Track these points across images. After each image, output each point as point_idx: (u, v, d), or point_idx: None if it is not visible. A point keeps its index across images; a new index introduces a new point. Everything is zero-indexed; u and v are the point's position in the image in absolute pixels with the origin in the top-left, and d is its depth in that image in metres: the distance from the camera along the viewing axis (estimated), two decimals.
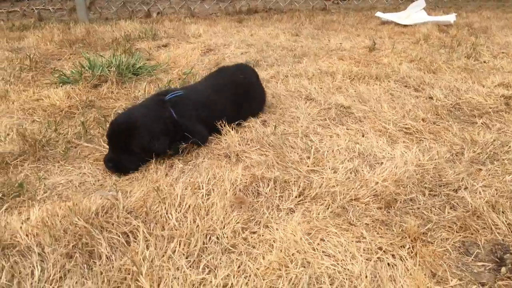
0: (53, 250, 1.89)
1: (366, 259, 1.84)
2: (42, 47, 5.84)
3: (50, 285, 1.73)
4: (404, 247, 1.92)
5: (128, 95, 3.83)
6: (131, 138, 2.49)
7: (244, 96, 3.10)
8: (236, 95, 3.04)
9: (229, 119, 2.96)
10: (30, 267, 1.82)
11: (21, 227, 2.03)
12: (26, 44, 6.11)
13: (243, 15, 8.66)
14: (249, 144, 2.82)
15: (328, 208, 2.17)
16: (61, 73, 4.31)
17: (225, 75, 3.22)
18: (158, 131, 2.55)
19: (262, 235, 2.00)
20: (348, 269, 1.79)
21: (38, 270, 1.80)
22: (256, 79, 3.34)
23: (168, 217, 2.11)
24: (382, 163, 2.56)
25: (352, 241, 1.94)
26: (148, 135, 2.50)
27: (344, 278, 1.74)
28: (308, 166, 2.53)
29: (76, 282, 1.74)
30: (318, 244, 1.93)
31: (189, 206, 2.18)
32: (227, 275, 1.78)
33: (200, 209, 2.16)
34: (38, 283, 1.75)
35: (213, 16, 8.62)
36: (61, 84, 4.14)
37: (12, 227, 2.04)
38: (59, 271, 1.80)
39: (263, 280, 1.75)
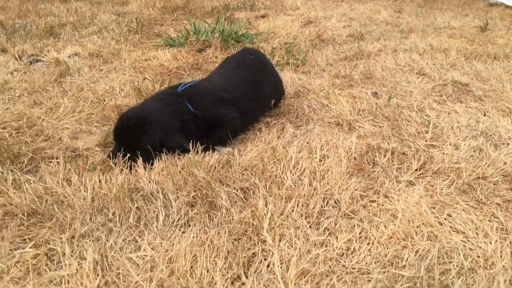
0: (176, 197, 1.93)
1: (501, 239, 1.71)
2: (145, 12, 6.02)
3: (176, 229, 1.77)
4: None
5: None
6: (141, 134, 2.21)
7: (260, 75, 2.76)
8: (251, 74, 2.72)
9: (250, 100, 2.61)
10: (154, 211, 1.87)
11: (144, 173, 2.09)
12: (129, 9, 6.33)
13: None
14: (361, 114, 2.72)
15: (452, 184, 2.05)
16: (168, 36, 4.41)
17: (234, 60, 2.89)
18: (173, 127, 2.27)
19: (382, 205, 1.92)
20: (480, 247, 1.67)
21: (162, 214, 1.85)
22: (266, 60, 3.02)
23: (284, 177, 2.08)
24: (508, 144, 2.37)
25: (484, 219, 1.81)
26: (162, 132, 2.23)
27: (477, 256, 1.63)
28: (426, 141, 2.40)
29: (199, 230, 1.76)
30: (445, 219, 1.82)
31: (304, 169, 2.15)
32: (349, 239, 1.73)
33: (316, 173, 2.12)
34: (163, 226, 1.79)
35: None
36: (167, 47, 4.24)
37: (136, 173, 2.11)
38: (183, 217, 1.83)
39: (387, 248, 1.68)
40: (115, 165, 2.15)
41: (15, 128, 2.57)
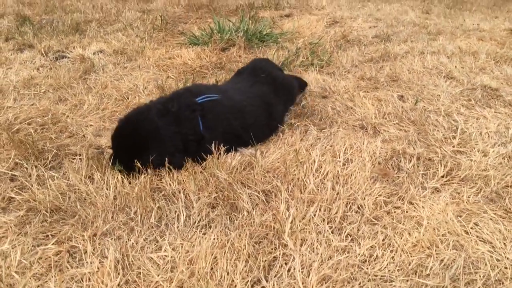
0: (197, 198, 1.92)
1: None
2: (170, 10, 6.05)
3: (196, 230, 1.76)
4: None
5: None
6: (139, 152, 2.07)
7: (272, 95, 2.62)
8: (265, 96, 2.59)
9: (261, 125, 2.48)
10: (176, 211, 1.87)
11: (167, 173, 2.08)
12: (154, 6, 6.37)
13: None
14: (386, 118, 2.67)
15: (479, 192, 1.99)
16: (192, 34, 4.42)
17: (249, 75, 2.77)
18: (172, 150, 2.11)
19: (407, 211, 1.88)
20: (508, 258, 1.62)
21: (183, 215, 1.84)
22: (276, 74, 2.89)
23: (306, 181, 2.05)
24: None
25: None
26: (161, 153, 2.08)
27: (504, 267, 1.58)
28: (453, 147, 2.34)
29: (220, 231, 1.75)
30: (472, 228, 1.77)
31: (327, 173, 2.11)
32: (372, 246, 1.69)
33: (339, 177, 2.08)
34: (184, 227, 1.79)
35: None
36: (191, 45, 4.24)
37: (159, 172, 2.10)
38: (204, 218, 1.82)
39: (411, 256, 1.64)
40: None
41: (40, 124, 2.61)
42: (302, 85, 3.12)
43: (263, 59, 3.35)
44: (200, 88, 2.44)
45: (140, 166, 2.04)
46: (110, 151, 2.21)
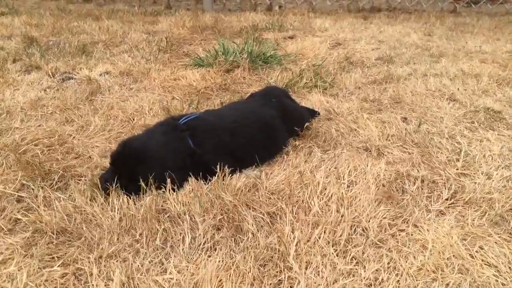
0: (202, 220, 1.93)
1: None
2: (175, 31, 6.13)
3: (202, 252, 1.77)
4: None
5: (261, 81, 3.87)
6: (139, 170, 2.12)
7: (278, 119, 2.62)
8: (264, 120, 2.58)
9: (258, 146, 2.48)
10: (181, 233, 1.87)
11: (171, 195, 2.10)
12: (159, 28, 6.47)
13: (366, 13, 8.44)
14: (390, 140, 2.69)
15: (484, 215, 2.00)
16: (197, 56, 4.48)
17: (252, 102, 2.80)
18: (173, 165, 2.18)
19: (411, 234, 1.88)
20: None
21: (188, 237, 1.85)
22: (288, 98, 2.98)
23: (311, 203, 2.06)
24: None
25: None
26: (161, 170, 2.13)
27: None
28: (457, 169, 2.35)
29: (225, 254, 1.75)
30: (477, 251, 1.77)
31: (332, 195, 2.13)
32: (377, 270, 1.69)
33: (343, 200, 2.09)
34: (189, 249, 1.79)
35: (334, 12, 8.48)
36: (196, 66, 4.30)
37: (163, 194, 2.12)
38: (210, 241, 1.83)
39: (416, 280, 1.64)
40: (105, 190, 2.12)
41: (47, 145, 2.63)
42: (313, 114, 3.10)
43: (277, 86, 3.39)
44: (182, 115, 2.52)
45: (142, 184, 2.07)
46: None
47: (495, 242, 1.83)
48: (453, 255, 1.75)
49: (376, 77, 3.92)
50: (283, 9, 8.89)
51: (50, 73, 4.02)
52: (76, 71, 4.13)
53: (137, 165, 2.13)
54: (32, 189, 2.18)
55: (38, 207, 2.02)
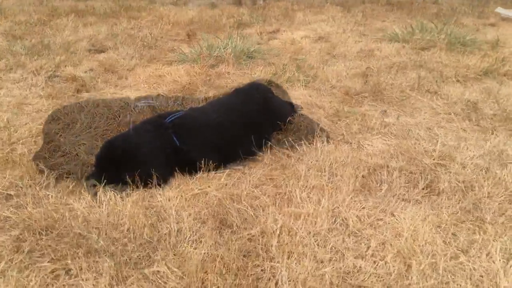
0: (188, 214, 1.99)
1: (504, 259, 1.75)
2: (159, 27, 6.12)
3: (187, 245, 1.83)
4: None
5: (245, 76, 3.92)
6: (125, 169, 2.19)
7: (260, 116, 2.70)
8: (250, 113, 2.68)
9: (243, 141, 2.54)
10: (167, 227, 1.94)
11: (157, 190, 2.16)
12: (144, 24, 6.45)
13: (349, 5, 8.49)
14: (370, 132, 2.78)
15: (458, 203, 2.09)
16: (181, 51, 4.51)
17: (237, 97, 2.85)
18: (158, 161, 2.27)
19: (389, 223, 1.97)
20: (483, 267, 1.71)
21: (175, 230, 1.91)
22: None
23: (293, 195, 2.14)
24: None
25: (488, 239, 1.85)
26: (145, 168, 2.20)
27: (480, 275, 1.67)
28: (434, 159, 2.44)
29: (210, 246, 1.82)
30: (450, 238, 1.86)
31: (313, 187, 2.20)
32: (355, 257, 1.77)
33: (324, 191, 2.17)
34: (176, 242, 1.86)
35: (317, 5, 8.52)
36: (180, 62, 4.33)
37: (149, 190, 2.17)
38: (195, 234, 1.90)
39: (393, 266, 1.72)
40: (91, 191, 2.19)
41: (34, 143, 2.67)
42: (296, 108, 3.15)
43: (261, 83, 3.41)
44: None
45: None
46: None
47: (468, 229, 1.92)
48: (427, 242, 1.83)
49: (358, 70, 3.99)
50: (267, 2, 8.91)
51: (35, 71, 4.02)
52: (61, 68, 4.14)
53: (122, 164, 2.20)
54: (21, 187, 2.22)
55: (27, 204, 2.06)
